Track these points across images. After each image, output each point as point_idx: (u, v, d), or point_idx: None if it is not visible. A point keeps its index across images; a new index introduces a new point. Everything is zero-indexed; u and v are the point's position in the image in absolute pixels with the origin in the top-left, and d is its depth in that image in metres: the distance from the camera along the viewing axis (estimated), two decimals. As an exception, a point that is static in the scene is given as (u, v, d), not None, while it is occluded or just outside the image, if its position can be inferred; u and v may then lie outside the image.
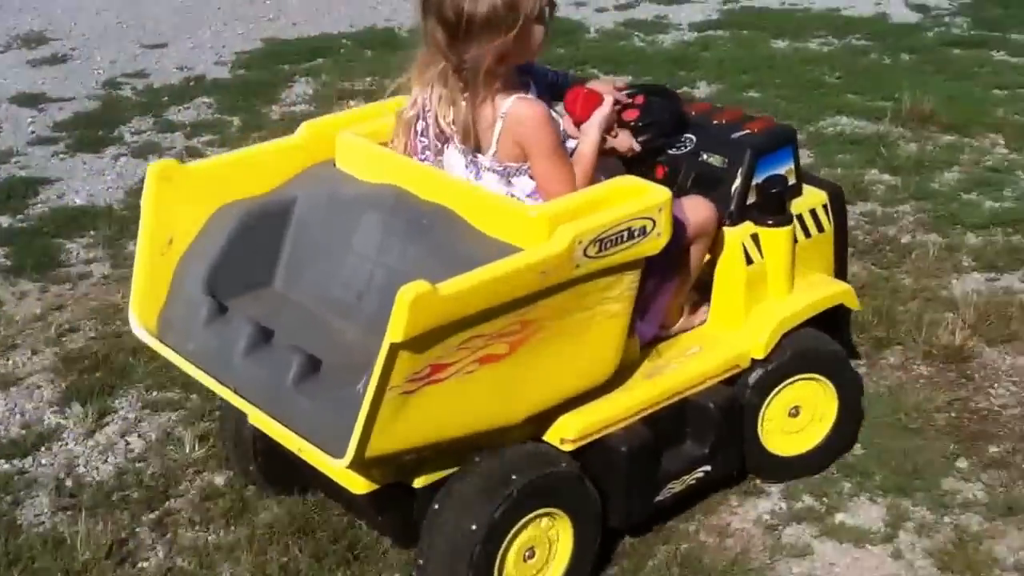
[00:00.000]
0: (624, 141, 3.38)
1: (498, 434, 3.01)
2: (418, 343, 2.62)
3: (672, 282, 3.33)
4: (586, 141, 3.15)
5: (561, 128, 3.16)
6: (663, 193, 3.01)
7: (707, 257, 3.45)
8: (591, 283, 2.92)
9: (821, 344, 3.60)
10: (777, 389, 3.50)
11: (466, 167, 3.13)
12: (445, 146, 3.15)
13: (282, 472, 3.48)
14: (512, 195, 3.10)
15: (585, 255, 2.85)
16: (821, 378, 3.58)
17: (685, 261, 3.36)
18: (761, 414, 3.49)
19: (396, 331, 2.56)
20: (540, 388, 2.99)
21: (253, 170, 3.30)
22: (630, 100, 3.53)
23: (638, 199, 2.98)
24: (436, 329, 2.64)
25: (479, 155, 3.10)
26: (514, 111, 3.01)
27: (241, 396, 2.93)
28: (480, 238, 2.94)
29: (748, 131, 3.53)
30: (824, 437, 3.67)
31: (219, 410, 3.77)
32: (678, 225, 3.17)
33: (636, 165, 3.43)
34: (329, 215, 3.17)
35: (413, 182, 3.11)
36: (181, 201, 3.18)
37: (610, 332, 3.04)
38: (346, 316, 3.00)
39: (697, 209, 3.34)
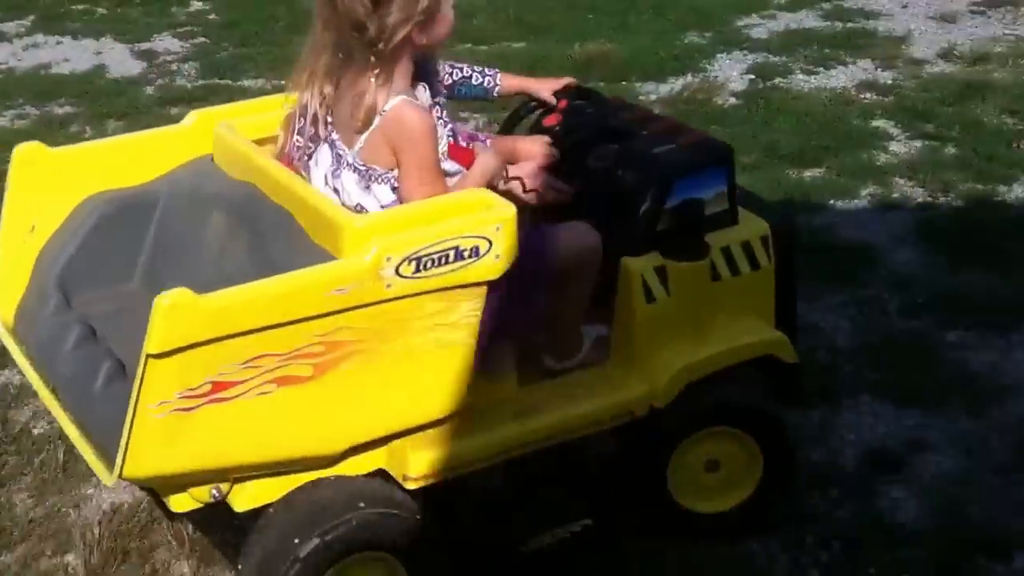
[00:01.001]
0: (541, 192, 2.99)
1: (327, 461, 2.67)
2: (188, 357, 2.33)
3: (531, 316, 2.92)
4: (465, 180, 2.78)
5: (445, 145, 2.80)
6: (504, 211, 2.57)
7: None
8: (412, 306, 2.54)
9: (745, 395, 3.14)
10: (688, 440, 3.07)
11: (331, 163, 2.77)
12: (318, 146, 2.80)
13: None
14: (362, 204, 2.73)
15: (397, 274, 2.47)
16: (742, 432, 3.12)
17: (562, 294, 2.95)
18: (670, 465, 3.07)
19: (152, 341, 2.28)
20: (363, 417, 2.63)
21: (129, 159, 3.07)
22: (553, 103, 3.16)
23: (470, 216, 2.56)
24: (207, 342, 2.33)
25: (345, 148, 2.73)
26: (396, 113, 2.65)
27: (57, 396, 2.70)
28: (309, 248, 2.61)
29: (672, 146, 3.04)
30: (748, 497, 3.20)
31: None
32: (546, 252, 2.79)
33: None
34: (188, 213, 2.94)
35: (265, 182, 2.80)
36: (47, 187, 2.98)
37: (447, 362, 2.65)
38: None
39: (574, 235, 2.91)
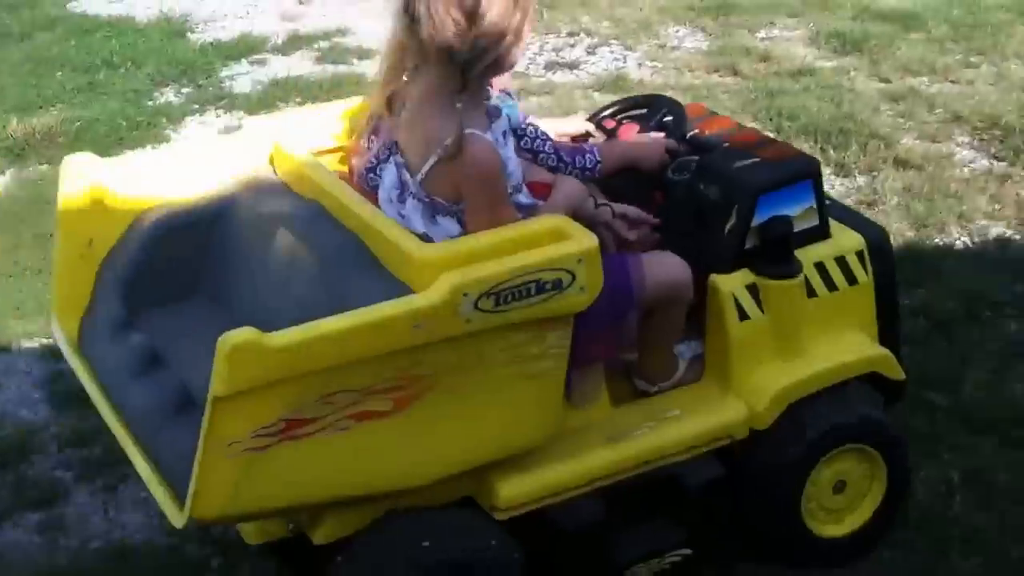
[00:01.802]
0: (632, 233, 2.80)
1: (414, 493, 2.53)
2: (259, 396, 2.20)
3: (622, 342, 2.76)
4: (545, 210, 2.60)
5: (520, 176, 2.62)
6: (586, 241, 2.40)
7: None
8: (494, 340, 2.38)
9: (876, 411, 2.97)
10: (825, 459, 2.89)
11: (396, 185, 2.59)
12: (385, 165, 2.64)
13: None
14: (428, 234, 2.54)
15: (476, 308, 2.31)
16: (870, 449, 2.95)
17: (651, 324, 2.78)
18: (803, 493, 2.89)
19: (218, 384, 2.16)
20: (447, 450, 2.48)
21: (185, 169, 2.90)
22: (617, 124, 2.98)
23: (551, 247, 2.38)
24: (279, 382, 2.20)
25: (409, 175, 2.55)
26: (465, 147, 2.42)
27: (124, 421, 2.59)
28: (382, 277, 2.46)
29: (756, 159, 2.85)
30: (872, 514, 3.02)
31: None
32: (633, 285, 2.64)
33: (632, 188, 2.88)
34: (252, 230, 2.79)
35: (332, 204, 2.66)
36: (101, 200, 2.81)
37: (535, 393, 2.50)
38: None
39: (664, 269, 2.72)
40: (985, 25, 6.39)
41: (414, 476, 2.48)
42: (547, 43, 6.49)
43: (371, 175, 2.69)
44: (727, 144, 2.94)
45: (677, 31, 6.60)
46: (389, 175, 2.62)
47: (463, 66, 2.40)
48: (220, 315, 2.74)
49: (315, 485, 2.38)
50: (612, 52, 6.38)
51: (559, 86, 5.94)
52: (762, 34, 6.45)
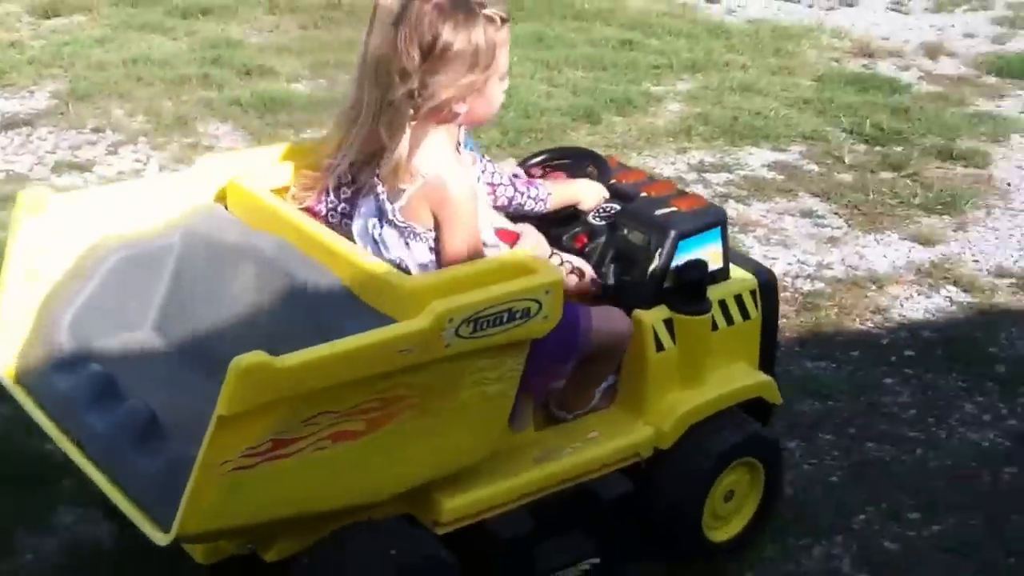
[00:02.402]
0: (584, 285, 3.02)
1: (362, 510, 2.63)
2: (253, 417, 2.26)
3: (558, 378, 2.97)
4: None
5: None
6: (553, 274, 2.60)
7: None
8: (465, 363, 2.53)
9: (764, 429, 3.30)
10: (725, 472, 3.16)
11: (374, 213, 2.71)
12: (360, 196, 2.75)
13: None
14: (402, 259, 2.69)
15: (457, 335, 2.44)
16: (756, 461, 3.25)
17: (588, 368, 2.98)
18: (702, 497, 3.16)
19: (225, 403, 2.21)
20: (406, 467, 2.60)
21: (135, 204, 2.92)
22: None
23: (524, 279, 2.55)
24: (275, 403, 2.27)
25: (388, 203, 2.68)
26: (441, 177, 2.61)
27: (82, 450, 2.57)
28: (355, 306, 2.57)
29: (674, 208, 3.12)
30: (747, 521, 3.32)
31: None
32: (580, 331, 2.84)
33: (556, 230, 3.07)
34: (208, 261, 2.84)
35: (298, 237, 2.74)
36: (52, 233, 2.80)
37: (488, 414, 2.67)
38: (213, 374, 2.35)
39: (610, 320, 2.93)
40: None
41: (377, 492, 2.60)
42: (65, 139, 5.80)
43: (342, 207, 2.81)
44: (644, 193, 3.19)
45: (217, 128, 6.02)
46: (368, 205, 2.73)
47: (412, 96, 2.56)
48: (177, 342, 2.79)
49: (288, 502, 2.45)
50: (136, 152, 5.70)
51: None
52: (308, 133, 5.89)
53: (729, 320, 3.20)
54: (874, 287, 4.81)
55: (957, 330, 4.54)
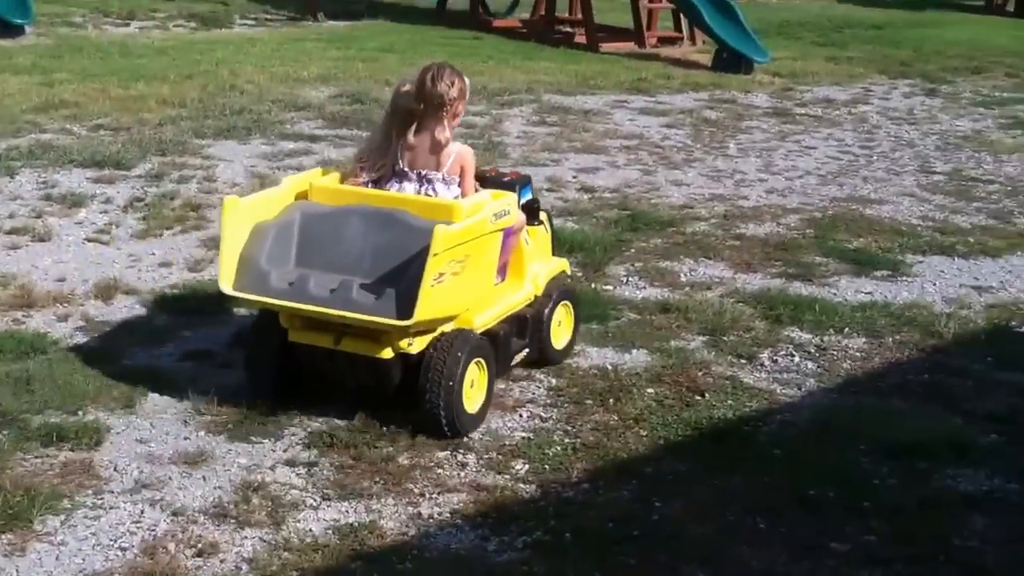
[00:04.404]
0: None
1: (451, 319, 4.36)
2: (442, 256, 4.05)
3: (508, 249, 4.66)
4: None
5: None
6: (512, 196, 4.65)
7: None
8: (489, 238, 4.37)
9: (568, 285, 5.24)
10: (554, 309, 4.89)
11: (418, 186, 4.49)
12: (399, 182, 4.52)
13: (295, 388, 4.44)
14: (445, 194, 4.50)
15: (493, 219, 4.36)
16: (568, 303, 5.00)
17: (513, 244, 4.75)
18: (551, 322, 4.87)
19: (436, 245, 4.01)
20: (468, 294, 4.35)
21: (267, 204, 4.48)
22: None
23: (504, 198, 4.58)
24: (446, 251, 4.07)
25: (432, 173, 4.48)
26: (462, 149, 4.56)
27: (325, 308, 4.10)
28: (423, 220, 4.23)
29: (511, 179, 4.93)
30: (570, 336, 5.05)
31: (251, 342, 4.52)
32: (514, 230, 4.65)
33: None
34: (323, 223, 4.36)
35: (376, 200, 4.45)
36: (241, 217, 4.34)
37: (489, 271, 4.49)
38: (352, 272, 4.17)
39: (520, 223, 4.75)
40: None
41: (463, 304, 4.34)
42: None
43: (387, 185, 4.55)
44: (497, 176, 4.99)
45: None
46: (409, 186, 4.50)
47: (445, 109, 4.45)
48: (317, 263, 4.24)
49: (445, 305, 4.22)
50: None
51: None
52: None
53: (546, 229, 5.06)
54: None
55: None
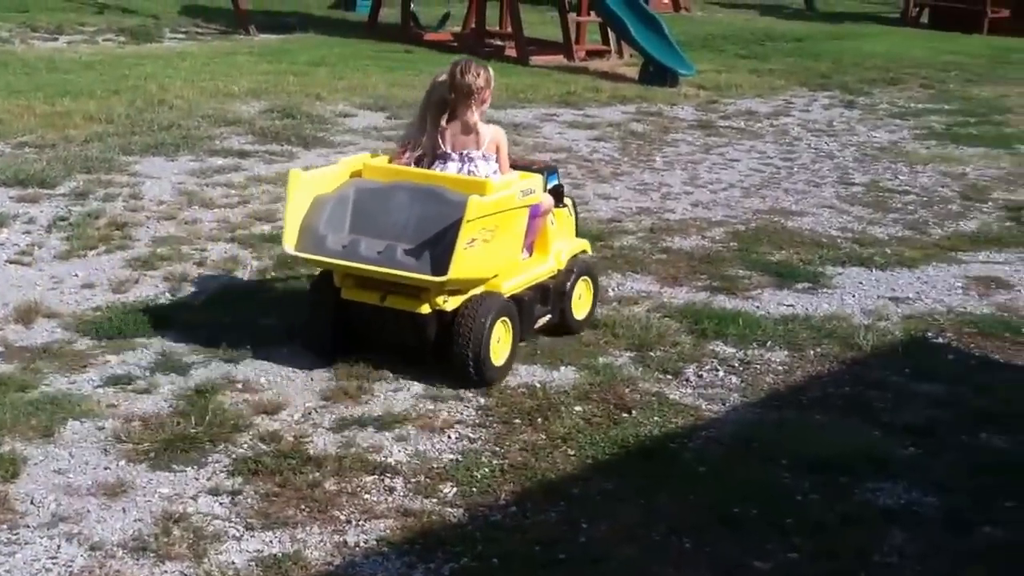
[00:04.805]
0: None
1: (482, 282, 4.88)
2: (474, 223, 4.58)
3: (535, 228, 5.22)
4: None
5: None
6: (538, 177, 5.17)
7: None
8: (516, 212, 4.90)
9: (588, 262, 5.61)
10: (575, 282, 5.37)
11: (460, 164, 5.04)
12: (442, 163, 5.06)
13: (347, 343, 4.94)
14: (487, 173, 5.03)
15: (520, 196, 4.92)
16: (587, 278, 5.47)
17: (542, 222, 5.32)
18: (572, 294, 5.38)
19: (470, 213, 4.54)
20: (498, 259, 4.88)
21: (326, 179, 5.03)
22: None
23: (531, 179, 5.12)
24: (478, 219, 4.59)
25: (472, 152, 5.04)
26: (496, 129, 5.15)
27: (374, 266, 4.65)
28: (459, 194, 4.71)
29: (540, 167, 5.41)
30: (590, 308, 5.52)
31: (311, 299, 5.04)
32: (542, 202, 5.21)
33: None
34: (374, 196, 4.88)
35: (419, 178, 4.98)
36: (303, 189, 4.90)
37: (516, 242, 5.01)
38: (397, 238, 4.69)
39: (548, 204, 5.30)
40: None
41: (492, 270, 4.86)
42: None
43: (433, 166, 5.08)
44: (527, 163, 5.60)
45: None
46: (452, 166, 5.03)
47: (476, 99, 5.02)
48: (368, 231, 4.74)
49: (476, 268, 4.73)
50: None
51: None
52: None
53: (570, 212, 5.58)
54: None
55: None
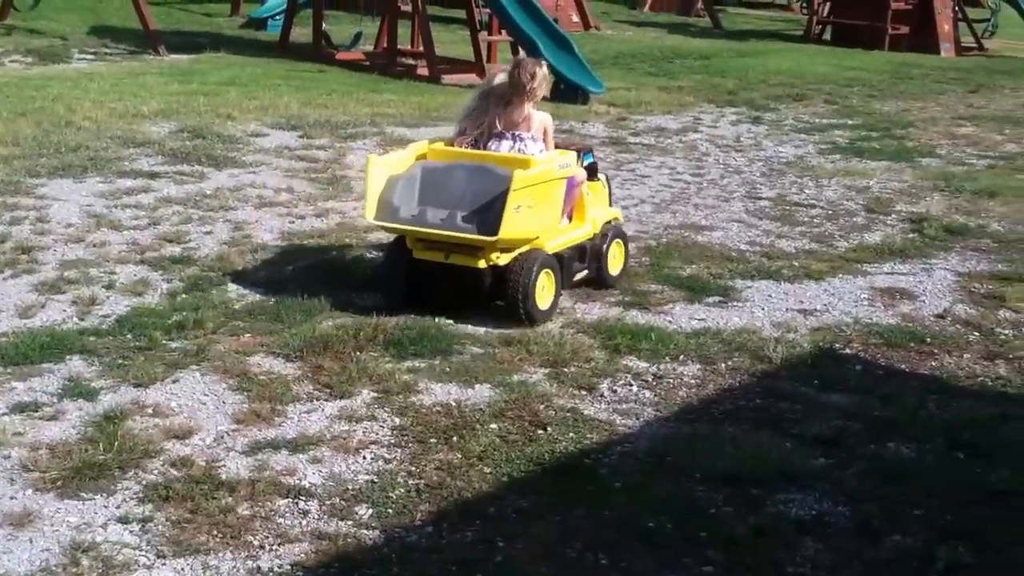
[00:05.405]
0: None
1: (528, 241, 5.79)
2: (520, 192, 5.51)
3: (573, 197, 6.13)
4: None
5: None
6: (572, 154, 6.17)
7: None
8: (555, 182, 5.84)
9: (620, 228, 6.60)
10: (609, 244, 6.32)
11: (512, 143, 6.00)
12: (498, 141, 6.02)
13: (417, 295, 5.82)
14: (534, 151, 5.96)
15: (558, 168, 5.87)
16: (620, 241, 6.45)
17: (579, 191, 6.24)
18: (608, 254, 6.34)
19: (516, 183, 5.48)
20: (541, 222, 5.79)
21: (398, 161, 5.99)
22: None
23: (568, 155, 6.12)
24: (523, 188, 5.52)
25: (523, 134, 6.00)
26: (544, 115, 6.15)
27: (438, 230, 5.64)
28: (507, 170, 5.63)
29: (578, 148, 6.44)
30: (622, 266, 6.51)
31: (387, 259, 5.99)
32: (576, 182, 6.11)
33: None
34: (437, 174, 5.81)
35: (474, 158, 5.92)
36: (379, 170, 5.86)
37: (556, 209, 5.92)
38: (457, 206, 5.62)
39: (581, 171, 6.23)
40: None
41: (537, 231, 5.77)
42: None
43: (487, 145, 6.04)
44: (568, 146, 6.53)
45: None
46: (505, 142, 5.98)
47: (527, 93, 5.98)
48: (433, 203, 5.66)
49: (524, 230, 5.66)
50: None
51: None
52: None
53: (604, 185, 6.58)
54: None
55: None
